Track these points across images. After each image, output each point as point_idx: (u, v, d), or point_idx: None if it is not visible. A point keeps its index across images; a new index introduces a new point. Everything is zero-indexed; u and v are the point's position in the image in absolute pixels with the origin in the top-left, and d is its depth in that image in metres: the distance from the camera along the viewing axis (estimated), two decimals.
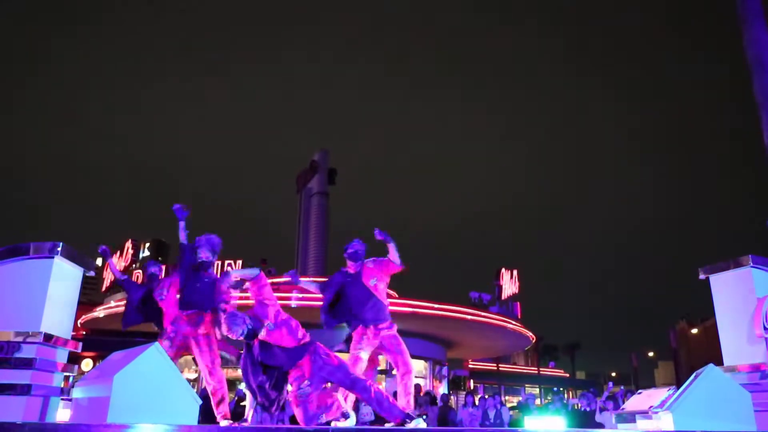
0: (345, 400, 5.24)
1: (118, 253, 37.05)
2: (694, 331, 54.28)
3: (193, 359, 6.37)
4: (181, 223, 6.34)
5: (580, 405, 11.99)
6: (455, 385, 34.54)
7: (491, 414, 13.05)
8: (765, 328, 5.68)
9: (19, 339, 4.75)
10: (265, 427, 5.77)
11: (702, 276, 6.52)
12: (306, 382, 4.85)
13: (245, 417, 7.03)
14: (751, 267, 6.01)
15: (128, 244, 36.86)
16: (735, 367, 5.94)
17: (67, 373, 5.20)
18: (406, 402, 5.78)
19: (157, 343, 4.48)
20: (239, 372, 5.56)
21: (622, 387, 26.73)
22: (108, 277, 37.12)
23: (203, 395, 6.43)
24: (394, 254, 6.06)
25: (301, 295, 21.25)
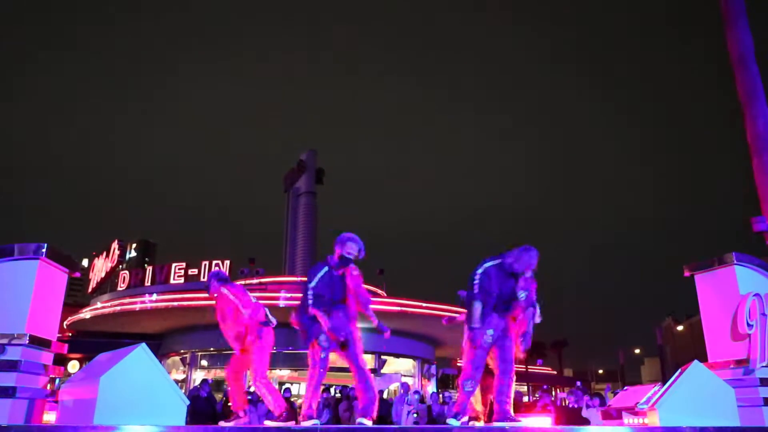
0: None
1: (105, 253, 36.70)
2: (680, 328, 54.71)
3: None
4: None
5: (568, 401, 12.04)
6: (444, 383, 34.63)
7: None
8: (749, 324, 5.75)
9: (4, 341, 4.72)
10: (252, 427, 5.76)
11: (687, 273, 6.58)
12: None
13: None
14: (735, 264, 6.07)
15: (114, 245, 36.48)
16: (719, 363, 6.01)
17: (53, 375, 5.17)
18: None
19: (144, 344, 4.45)
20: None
21: (609, 384, 26.93)
22: (94, 279, 36.79)
23: (191, 396, 6.37)
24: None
25: (289, 295, 21.24)
